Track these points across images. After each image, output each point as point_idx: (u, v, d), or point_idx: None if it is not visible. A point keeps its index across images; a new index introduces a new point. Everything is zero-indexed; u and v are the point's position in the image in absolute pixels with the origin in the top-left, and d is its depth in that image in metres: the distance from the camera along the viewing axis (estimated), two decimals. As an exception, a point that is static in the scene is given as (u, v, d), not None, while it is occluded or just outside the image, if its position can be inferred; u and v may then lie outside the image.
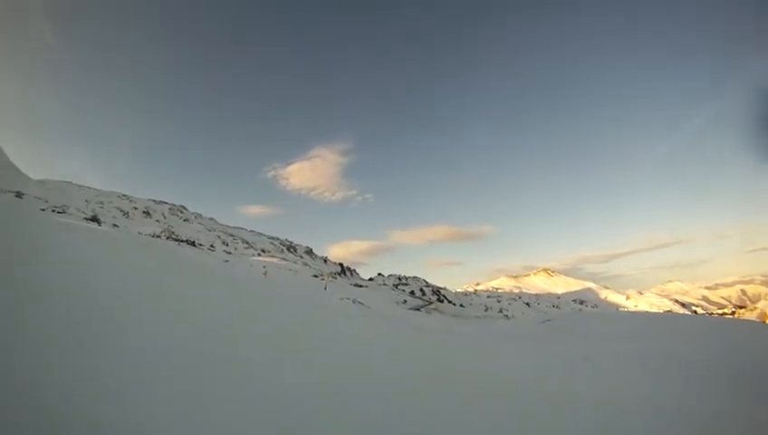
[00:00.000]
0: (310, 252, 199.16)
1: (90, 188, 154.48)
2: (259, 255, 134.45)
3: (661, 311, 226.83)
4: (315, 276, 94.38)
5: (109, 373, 5.51)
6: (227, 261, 73.02)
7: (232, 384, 6.36)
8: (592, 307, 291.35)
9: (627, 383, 13.08)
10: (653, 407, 9.68)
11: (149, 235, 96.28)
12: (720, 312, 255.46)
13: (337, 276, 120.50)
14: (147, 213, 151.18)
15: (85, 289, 9.84)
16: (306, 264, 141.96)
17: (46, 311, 7.14)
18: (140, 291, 12.26)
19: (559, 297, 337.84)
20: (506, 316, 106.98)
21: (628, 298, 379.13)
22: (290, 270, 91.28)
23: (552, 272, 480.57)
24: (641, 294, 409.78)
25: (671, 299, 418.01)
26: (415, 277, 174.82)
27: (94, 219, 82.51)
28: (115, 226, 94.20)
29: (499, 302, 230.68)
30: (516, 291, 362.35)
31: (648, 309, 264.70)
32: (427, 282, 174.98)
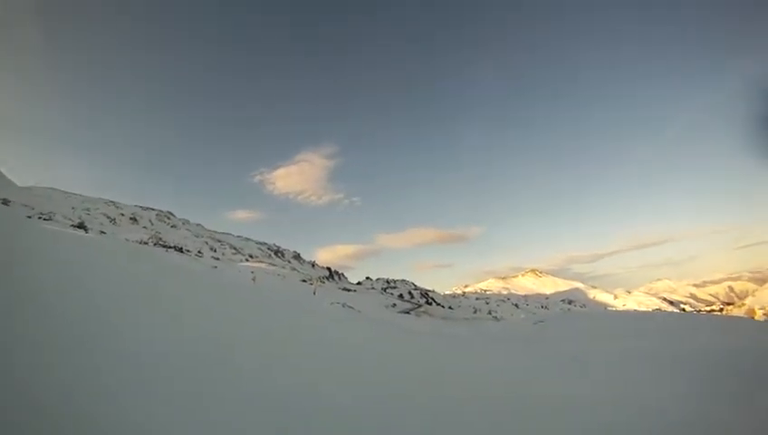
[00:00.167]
0: (297, 256, 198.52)
1: (76, 194, 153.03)
2: (247, 260, 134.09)
3: (650, 309, 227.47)
4: (304, 281, 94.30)
5: (108, 374, 5.57)
6: (216, 267, 72.75)
7: (228, 386, 6.44)
8: (581, 307, 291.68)
9: (622, 384, 13.18)
10: (648, 408, 9.81)
11: (137, 241, 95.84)
12: (708, 309, 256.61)
13: (325, 281, 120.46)
14: (134, 219, 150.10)
15: (81, 292, 9.87)
16: (294, 268, 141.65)
17: (44, 312, 7.21)
18: (136, 296, 12.32)
19: (547, 298, 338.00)
20: (495, 318, 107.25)
21: (616, 297, 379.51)
22: (278, 275, 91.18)
23: (541, 273, 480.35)
24: (629, 293, 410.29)
25: (659, 297, 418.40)
26: (403, 280, 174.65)
27: (81, 226, 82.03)
28: (102, 232, 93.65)
29: (488, 303, 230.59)
30: (505, 292, 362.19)
31: (636, 308, 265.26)
32: (415, 285, 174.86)
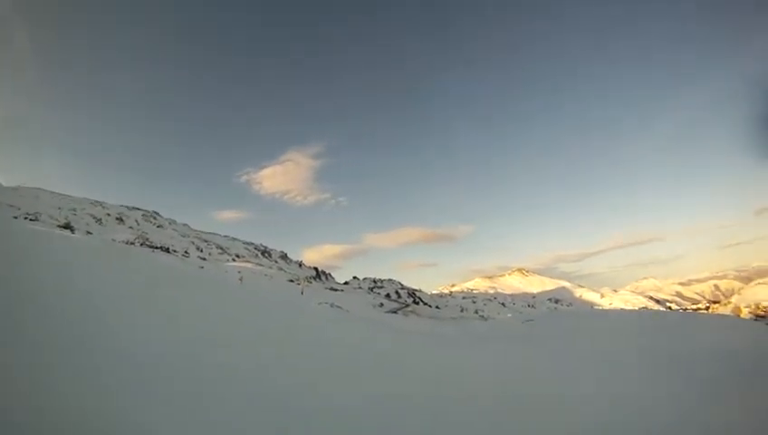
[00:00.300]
0: (284, 256, 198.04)
1: (62, 194, 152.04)
2: (234, 260, 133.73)
3: (636, 308, 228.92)
4: (291, 281, 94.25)
5: (107, 374, 5.67)
6: (202, 267, 72.53)
7: (226, 386, 6.55)
8: (567, 306, 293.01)
9: (617, 383, 13.37)
10: (645, 407, 9.99)
11: (123, 242, 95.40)
12: (694, 307, 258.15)
13: (312, 281, 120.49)
14: (120, 219, 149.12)
15: (78, 294, 9.95)
16: (281, 268, 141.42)
17: (43, 313, 7.31)
18: (132, 297, 12.42)
19: (534, 297, 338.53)
20: (482, 317, 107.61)
21: (602, 296, 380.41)
22: (265, 275, 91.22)
23: (527, 272, 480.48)
24: (616, 291, 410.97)
25: (646, 296, 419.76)
26: (390, 280, 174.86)
27: (67, 227, 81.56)
28: (88, 233, 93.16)
29: (474, 303, 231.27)
30: (491, 291, 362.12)
31: (623, 306, 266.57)
32: (402, 284, 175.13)
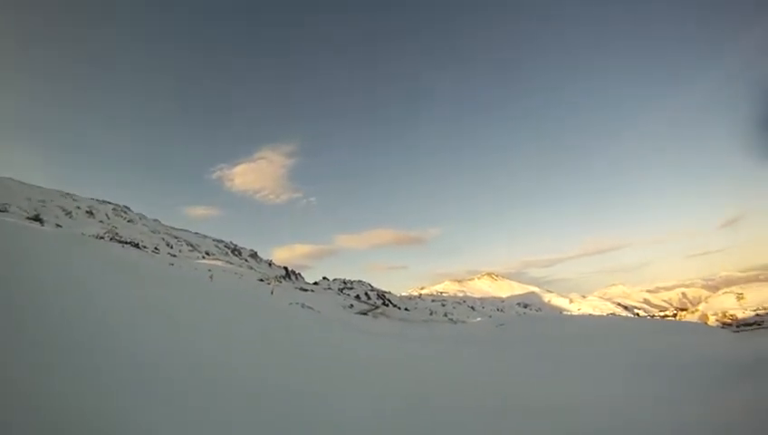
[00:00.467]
0: (254, 255, 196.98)
1: (32, 185, 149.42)
2: (204, 257, 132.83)
3: (604, 314, 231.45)
4: (261, 280, 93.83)
5: (107, 374, 5.74)
6: (172, 264, 71.82)
7: (226, 388, 6.67)
8: (536, 311, 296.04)
9: (591, 387, 13.66)
10: (619, 410, 10.25)
11: (93, 236, 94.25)
12: (662, 314, 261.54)
13: (282, 280, 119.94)
14: (90, 213, 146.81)
15: (79, 294, 9.94)
16: (251, 267, 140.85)
17: (42, 312, 7.31)
18: (133, 298, 12.42)
19: (503, 301, 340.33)
20: (452, 320, 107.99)
21: (571, 301, 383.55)
22: (235, 274, 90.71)
23: (496, 276, 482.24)
24: (584, 297, 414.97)
25: (613, 302, 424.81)
26: (359, 281, 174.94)
27: (37, 219, 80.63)
28: (58, 226, 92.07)
29: (444, 306, 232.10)
30: (461, 295, 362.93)
31: (591, 312, 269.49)
32: (371, 286, 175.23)
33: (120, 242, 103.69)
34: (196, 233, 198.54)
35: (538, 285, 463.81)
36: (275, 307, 30.36)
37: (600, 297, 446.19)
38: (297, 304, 57.53)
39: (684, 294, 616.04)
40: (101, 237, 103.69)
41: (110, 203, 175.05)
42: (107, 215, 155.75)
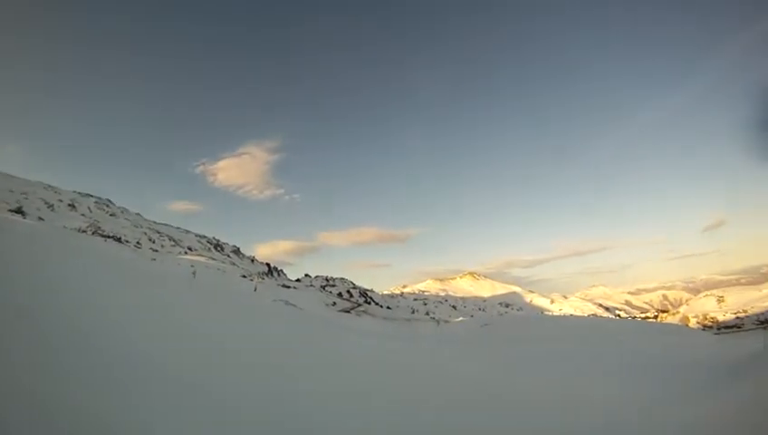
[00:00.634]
0: (237, 251, 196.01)
1: (14, 177, 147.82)
2: (186, 253, 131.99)
3: (585, 314, 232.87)
4: (244, 277, 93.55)
5: (105, 373, 5.84)
6: (154, 259, 71.48)
7: (215, 387, 6.78)
8: (518, 310, 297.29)
9: (577, 385, 13.87)
10: (606, 408, 10.46)
11: (75, 229, 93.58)
12: (643, 316, 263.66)
13: (265, 277, 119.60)
14: (72, 206, 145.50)
15: (75, 293, 9.99)
16: (234, 263, 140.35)
17: (41, 311, 7.37)
18: (131, 297, 12.49)
19: (485, 300, 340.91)
20: (434, 319, 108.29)
21: (552, 302, 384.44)
22: (218, 270, 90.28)
23: (478, 275, 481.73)
24: (566, 298, 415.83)
25: (595, 303, 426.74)
26: (342, 279, 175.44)
27: (19, 211, 79.97)
28: (40, 219, 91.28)
29: (426, 304, 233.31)
30: (443, 294, 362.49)
31: (572, 312, 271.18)
32: (354, 283, 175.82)
33: (103, 236, 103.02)
34: (179, 228, 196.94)
35: (520, 285, 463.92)
36: (260, 305, 30.44)
37: (582, 298, 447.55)
38: (280, 301, 57.50)
39: (665, 296, 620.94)
40: (84, 231, 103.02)
41: (92, 196, 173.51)
42: (89, 208, 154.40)
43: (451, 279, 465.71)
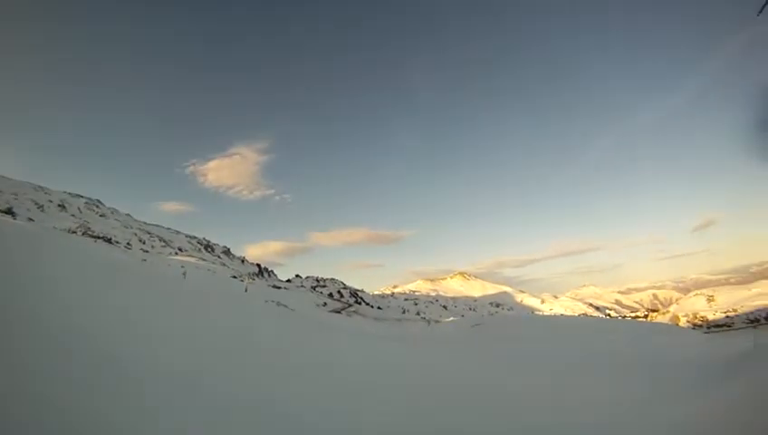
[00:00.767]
0: (227, 252, 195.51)
1: (4, 177, 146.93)
2: (176, 253, 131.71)
3: (576, 314, 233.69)
4: (234, 277, 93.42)
5: (97, 372, 5.84)
6: (145, 260, 71.23)
7: (207, 390, 6.76)
8: (508, 310, 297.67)
9: (575, 385, 13.99)
10: (599, 409, 10.55)
11: (65, 230, 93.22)
12: (633, 315, 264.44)
13: (255, 278, 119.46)
14: (62, 206, 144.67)
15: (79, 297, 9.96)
16: (224, 264, 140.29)
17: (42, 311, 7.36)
18: (134, 299, 12.48)
19: (476, 300, 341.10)
20: (425, 319, 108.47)
21: (543, 302, 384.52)
22: (208, 271, 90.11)
23: (469, 276, 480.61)
24: (556, 297, 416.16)
25: (585, 302, 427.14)
26: (332, 279, 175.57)
27: (9, 212, 79.61)
28: (30, 219, 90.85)
29: (416, 305, 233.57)
30: (433, 294, 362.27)
31: (563, 312, 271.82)
32: (344, 284, 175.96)
33: (93, 237, 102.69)
34: (169, 229, 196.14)
35: (510, 285, 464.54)
36: (252, 306, 30.42)
37: (572, 298, 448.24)
38: (272, 301, 57.47)
39: (655, 296, 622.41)
40: (74, 232, 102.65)
41: (82, 197, 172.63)
42: (79, 209, 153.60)
43: (442, 279, 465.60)
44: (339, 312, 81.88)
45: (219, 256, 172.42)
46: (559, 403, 11.21)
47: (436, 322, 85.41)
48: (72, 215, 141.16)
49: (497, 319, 55.71)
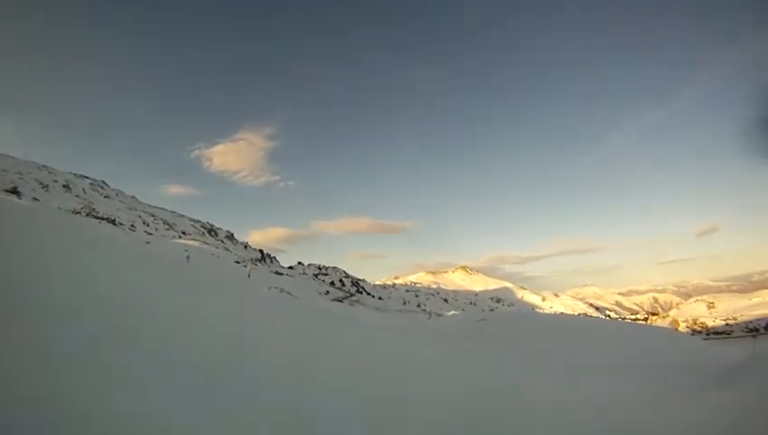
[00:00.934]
0: (231, 236, 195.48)
1: (9, 156, 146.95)
2: (180, 237, 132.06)
3: (576, 313, 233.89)
4: (237, 262, 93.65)
5: (124, 372, 5.69)
6: (148, 242, 71.32)
7: (219, 378, 6.64)
8: (509, 306, 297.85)
9: (580, 385, 13.92)
10: (605, 408, 10.47)
11: (69, 210, 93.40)
12: (633, 317, 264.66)
13: (258, 263, 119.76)
14: (67, 187, 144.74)
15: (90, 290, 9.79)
16: (227, 249, 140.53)
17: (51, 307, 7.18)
18: (146, 291, 12.36)
19: (476, 295, 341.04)
20: (425, 311, 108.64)
21: (543, 299, 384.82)
22: (212, 255, 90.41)
23: (471, 270, 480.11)
24: (557, 295, 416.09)
25: (586, 302, 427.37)
26: (334, 268, 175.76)
27: (14, 192, 79.80)
28: (35, 199, 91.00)
29: (417, 296, 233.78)
30: (434, 286, 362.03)
31: (563, 310, 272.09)
32: (346, 273, 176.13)
33: (97, 218, 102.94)
34: (173, 212, 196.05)
35: (512, 281, 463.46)
36: (257, 294, 30.38)
37: (573, 297, 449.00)
38: (275, 288, 57.59)
39: (655, 299, 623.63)
40: (78, 212, 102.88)
41: (87, 178, 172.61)
42: (84, 190, 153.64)
43: (443, 272, 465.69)
44: (340, 301, 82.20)
45: (222, 241, 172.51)
46: (557, 402, 11.19)
47: (438, 315, 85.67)
48: (77, 195, 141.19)
49: (498, 314, 55.67)
